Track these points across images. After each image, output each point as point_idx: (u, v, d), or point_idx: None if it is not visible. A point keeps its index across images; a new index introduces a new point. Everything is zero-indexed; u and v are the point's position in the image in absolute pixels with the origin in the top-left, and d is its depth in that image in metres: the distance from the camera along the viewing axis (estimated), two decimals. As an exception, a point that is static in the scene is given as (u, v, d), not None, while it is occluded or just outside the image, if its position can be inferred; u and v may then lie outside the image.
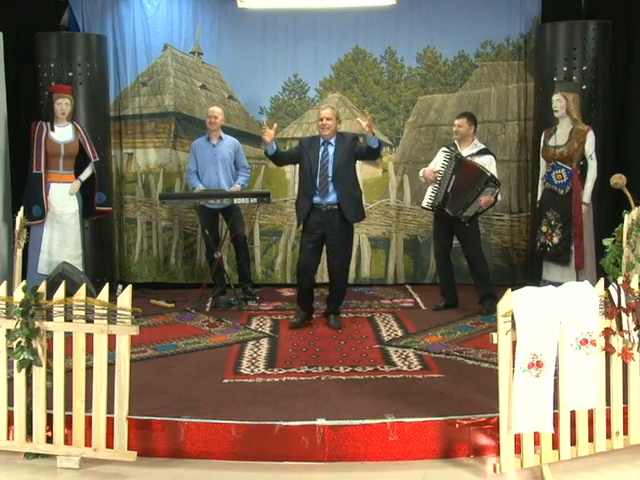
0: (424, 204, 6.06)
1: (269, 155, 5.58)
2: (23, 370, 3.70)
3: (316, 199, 5.49)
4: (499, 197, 5.99)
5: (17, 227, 5.31)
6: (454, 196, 5.83)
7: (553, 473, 3.50)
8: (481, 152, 5.93)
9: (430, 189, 5.99)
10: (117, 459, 3.63)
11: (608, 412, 3.67)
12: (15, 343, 3.69)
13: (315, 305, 6.00)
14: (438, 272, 6.42)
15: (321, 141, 5.57)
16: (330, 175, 5.48)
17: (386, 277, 7.38)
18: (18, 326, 3.68)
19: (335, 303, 5.81)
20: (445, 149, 6.03)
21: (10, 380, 3.79)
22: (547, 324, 3.46)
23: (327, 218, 5.50)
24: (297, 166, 5.81)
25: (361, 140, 5.72)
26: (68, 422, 3.69)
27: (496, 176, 5.84)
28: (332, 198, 5.49)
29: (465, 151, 5.92)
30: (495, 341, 3.45)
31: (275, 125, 5.55)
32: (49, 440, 3.72)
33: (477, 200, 5.78)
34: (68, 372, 3.71)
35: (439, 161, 5.98)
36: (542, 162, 5.93)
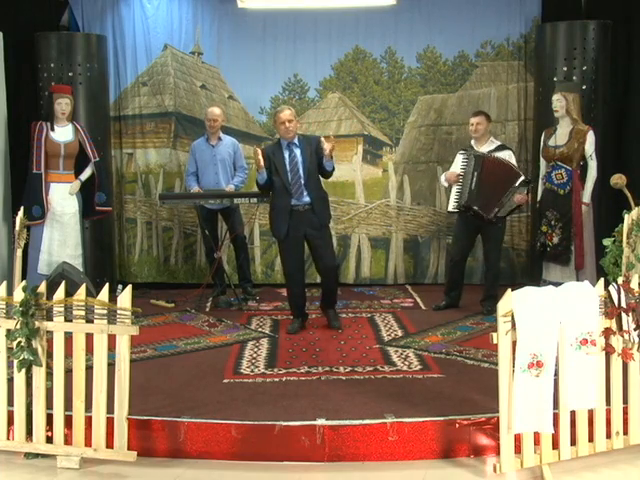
0: (450, 208, 5.98)
1: (261, 184, 5.45)
2: (23, 370, 3.70)
3: (293, 201, 5.35)
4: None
5: (17, 227, 5.31)
6: (482, 194, 5.75)
7: (553, 473, 3.50)
8: (499, 148, 5.92)
9: (454, 192, 5.92)
10: (117, 459, 3.63)
11: (608, 412, 3.67)
12: (15, 343, 3.69)
13: (315, 305, 6.01)
14: (449, 271, 6.35)
15: (284, 144, 5.41)
16: (303, 176, 5.35)
17: (386, 277, 7.37)
18: (18, 326, 3.68)
19: (332, 301, 5.76)
20: (462, 151, 6.00)
21: (10, 380, 3.79)
22: (547, 324, 3.46)
23: (305, 217, 5.38)
24: None
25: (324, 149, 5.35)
26: (68, 422, 3.69)
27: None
28: (307, 198, 5.37)
29: (483, 148, 5.90)
30: (495, 341, 3.45)
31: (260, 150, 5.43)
32: (49, 440, 3.72)
33: (511, 199, 5.75)
34: (68, 372, 3.71)
35: (458, 164, 5.93)
36: (542, 162, 5.93)
